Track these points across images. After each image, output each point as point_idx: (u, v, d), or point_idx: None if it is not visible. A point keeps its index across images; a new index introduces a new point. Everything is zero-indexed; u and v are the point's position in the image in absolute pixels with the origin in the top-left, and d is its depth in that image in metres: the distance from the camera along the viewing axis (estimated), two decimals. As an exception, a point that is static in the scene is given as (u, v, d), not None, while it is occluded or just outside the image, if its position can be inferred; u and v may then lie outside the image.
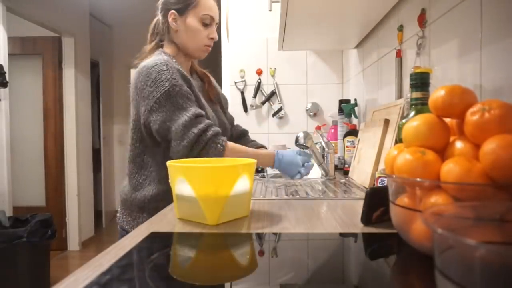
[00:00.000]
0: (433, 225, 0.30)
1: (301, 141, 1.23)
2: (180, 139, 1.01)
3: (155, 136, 1.08)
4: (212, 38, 1.19)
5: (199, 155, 1.01)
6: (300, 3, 1.26)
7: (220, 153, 1.01)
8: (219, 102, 1.33)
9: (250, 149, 1.12)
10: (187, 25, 1.15)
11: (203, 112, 1.06)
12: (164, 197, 1.09)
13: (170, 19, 1.15)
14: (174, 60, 1.16)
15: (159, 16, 1.20)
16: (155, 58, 1.09)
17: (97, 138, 4.54)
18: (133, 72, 1.14)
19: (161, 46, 1.21)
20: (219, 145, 1.02)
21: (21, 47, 3.60)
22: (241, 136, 1.42)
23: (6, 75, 2.71)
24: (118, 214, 1.20)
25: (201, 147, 1.01)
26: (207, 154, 1.01)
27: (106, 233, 4.29)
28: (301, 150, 1.18)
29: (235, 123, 1.46)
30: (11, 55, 2.92)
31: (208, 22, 1.17)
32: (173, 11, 1.15)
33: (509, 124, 0.45)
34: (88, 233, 3.94)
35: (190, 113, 1.02)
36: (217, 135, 1.03)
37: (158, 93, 1.03)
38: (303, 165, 1.12)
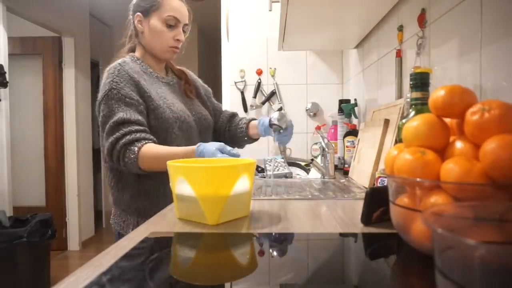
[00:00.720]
0: (433, 225, 0.30)
1: (275, 121, 1.17)
2: (103, 144, 1.06)
3: None
4: (178, 40, 1.18)
5: (118, 162, 1.03)
6: (300, 3, 1.26)
7: (133, 159, 1.00)
8: (198, 97, 1.34)
9: (167, 150, 1.01)
10: (150, 27, 1.16)
11: (130, 118, 1.03)
12: (139, 198, 1.11)
13: (136, 22, 1.17)
14: (140, 61, 1.18)
15: (130, 19, 1.21)
16: (115, 62, 1.13)
17: (97, 138, 4.54)
18: None
19: (134, 51, 1.24)
20: (130, 152, 1.00)
21: (21, 47, 3.60)
22: (230, 119, 1.42)
23: (6, 75, 2.71)
24: (111, 217, 1.21)
25: (116, 154, 1.02)
26: (123, 162, 1.02)
27: (106, 233, 4.29)
28: (225, 150, 1.00)
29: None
30: (11, 55, 2.92)
31: (172, 23, 1.16)
32: (138, 13, 1.16)
33: (509, 124, 0.45)
34: (88, 233, 3.94)
35: (114, 119, 1.03)
36: (131, 143, 1.01)
37: (100, 97, 1.08)
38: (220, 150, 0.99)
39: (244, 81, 2.27)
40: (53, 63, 3.64)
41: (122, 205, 1.13)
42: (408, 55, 1.19)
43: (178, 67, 1.34)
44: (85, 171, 3.88)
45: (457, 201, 0.45)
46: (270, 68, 2.26)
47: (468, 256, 0.27)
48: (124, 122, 1.03)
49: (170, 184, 0.77)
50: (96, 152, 4.32)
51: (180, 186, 0.73)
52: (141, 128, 1.05)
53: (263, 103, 2.25)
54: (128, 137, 1.01)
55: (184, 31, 1.21)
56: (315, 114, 2.24)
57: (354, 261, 0.55)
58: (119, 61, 1.13)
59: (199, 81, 1.41)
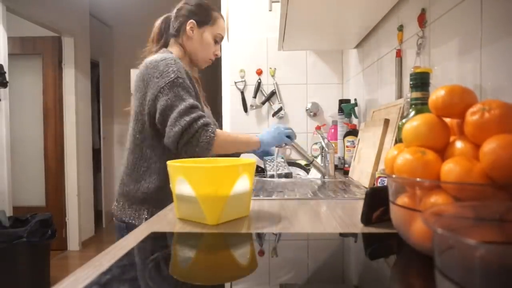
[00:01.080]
0: (433, 225, 0.30)
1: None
2: (173, 125, 1.06)
3: (156, 128, 1.13)
4: (216, 55, 1.33)
5: (189, 143, 1.06)
6: (300, 3, 1.26)
7: (210, 140, 1.07)
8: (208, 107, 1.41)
9: (240, 136, 1.20)
10: (203, 37, 1.27)
11: (199, 105, 1.12)
12: (167, 189, 1.10)
13: (188, 27, 1.25)
14: (178, 60, 1.21)
15: (173, 19, 1.28)
16: (163, 54, 1.16)
17: (97, 138, 4.54)
18: (133, 71, 1.19)
19: (166, 46, 1.29)
20: (209, 132, 1.07)
21: (21, 47, 3.60)
22: None
23: (6, 75, 2.71)
24: (114, 207, 1.20)
25: (192, 134, 1.06)
26: (197, 141, 1.06)
27: (106, 233, 4.29)
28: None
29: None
30: (11, 55, 2.92)
31: (218, 40, 1.31)
32: (192, 20, 1.25)
33: (509, 124, 0.45)
34: (88, 233, 3.94)
35: (187, 103, 1.08)
36: (207, 125, 1.08)
37: (163, 83, 1.09)
38: (286, 136, 1.25)
39: (244, 81, 2.27)
40: (53, 63, 3.64)
41: (141, 195, 1.13)
42: (408, 55, 1.19)
43: (195, 76, 1.39)
44: (85, 171, 3.88)
45: (457, 201, 0.45)
46: (270, 68, 2.26)
47: (468, 256, 0.27)
48: (196, 107, 1.10)
49: (170, 184, 0.77)
50: (96, 152, 4.33)
51: (180, 186, 0.73)
52: (206, 115, 1.13)
53: (263, 103, 2.25)
54: (203, 119, 1.08)
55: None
56: (315, 114, 2.24)
57: (354, 261, 0.55)
58: (173, 56, 1.16)
59: None
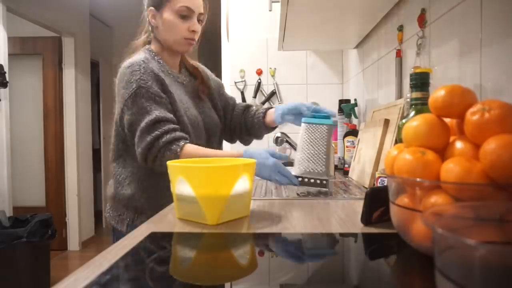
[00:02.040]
0: (433, 225, 0.30)
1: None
2: (138, 145, 1.02)
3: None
4: (193, 31, 1.13)
5: (155, 161, 1.00)
6: (300, 3, 1.26)
7: (175, 157, 0.98)
8: (211, 100, 1.30)
9: (211, 153, 1.02)
10: (163, 20, 1.12)
11: (166, 116, 1.03)
12: (142, 196, 1.11)
13: (149, 17, 1.14)
14: (158, 57, 1.15)
15: (144, 14, 1.19)
16: (134, 58, 1.09)
17: (97, 138, 4.54)
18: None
19: (149, 43, 1.20)
20: (172, 150, 0.98)
21: (21, 47, 3.60)
22: (245, 110, 1.36)
23: (6, 75, 2.71)
24: (106, 210, 1.20)
25: (155, 154, 1.00)
26: (161, 160, 0.99)
27: (106, 233, 4.29)
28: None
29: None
30: (11, 55, 2.92)
31: (185, 13, 1.11)
32: (151, 7, 1.13)
33: (509, 124, 0.45)
34: (88, 233, 3.94)
35: (151, 117, 1.01)
36: (171, 142, 1.00)
37: (127, 95, 1.03)
38: (278, 171, 0.96)
39: (244, 81, 2.27)
40: (53, 63, 3.64)
41: (123, 201, 1.13)
42: (408, 55, 1.19)
43: (192, 62, 1.30)
44: (85, 171, 3.88)
45: (457, 201, 0.45)
46: (270, 68, 2.26)
47: (468, 256, 0.27)
48: (161, 121, 1.01)
49: (171, 184, 0.77)
50: (96, 152, 4.32)
51: (180, 186, 0.73)
52: (177, 126, 1.04)
53: (263, 103, 2.25)
54: (167, 136, 1.00)
55: (200, 20, 1.16)
56: (315, 114, 2.24)
57: (354, 261, 0.55)
58: (141, 57, 1.08)
59: (212, 76, 1.36)
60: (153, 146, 0.99)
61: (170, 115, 1.05)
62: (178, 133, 1.02)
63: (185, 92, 1.20)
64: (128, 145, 1.11)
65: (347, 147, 1.51)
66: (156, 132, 1.00)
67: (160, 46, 1.18)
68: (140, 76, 1.03)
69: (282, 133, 1.56)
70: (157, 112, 1.02)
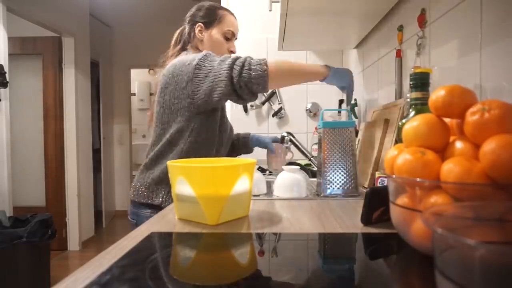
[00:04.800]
0: (433, 225, 0.30)
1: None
2: (219, 67, 1.07)
3: (187, 118, 1.13)
4: (231, 51, 1.32)
5: (242, 73, 1.05)
6: (300, 3, 1.26)
7: (262, 62, 1.06)
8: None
9: (299, 63, 1.23)
10: (211, 36, 1.30)
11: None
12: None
13: (196, 31, 1.30)
14: None
15: (186, 27, 1.33)
16: (199, 53, 1.18)
17: (97, 138, 4.54)
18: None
19: (184, 50, 1.33)
20: (256, 59, 1.07)
21: (21, 47, 3.60)
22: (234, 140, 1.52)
23: (6, 75, 2.71)
24: (130, 193, 1.21)
25: (241, 63, 1.06)
26: (249, 66, 1.05)
27: (106, 233, 4.29)
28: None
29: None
30: (11, 55, 2.92)
31: (229, 36, 1.32)
32: (200, 23, 1.29)
33: (509, 124, 0.45)
34: (88, 233, 3.94)
35: (224, 56, 1.10)
36: (252, 59, 1.08)
37: (195, 62, 1.10)
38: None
39: (244, 81, 2.26)
40: (53, 63, 3.64)
41: (160, 174, 1.16)
42: (408, 55, 1.19)
43: None
44: (85, 171, 3.88)
45: (457, 201, 0.45)
46: (270, 68, 2.25)
47: (468, 256, 0.27)
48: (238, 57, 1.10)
49: (171, 184, 0.77)
50: (96, 152, 4.33)
51: (180, 186, 0.73)
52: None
53: (263, 103, 2.25)
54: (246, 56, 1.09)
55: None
56: (315, 114, 2.24)
57: (354, 261, 0.55)
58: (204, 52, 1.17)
59: None
60: (237, 59, 1.07)
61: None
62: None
63: None
64: (173, 125, 1.15)
65: (347, 147, 1.51)
66: (235, 55, 1.09)
67: None
68: (206, 53, 1.14)
69: (288, 132, 1.58)
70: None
